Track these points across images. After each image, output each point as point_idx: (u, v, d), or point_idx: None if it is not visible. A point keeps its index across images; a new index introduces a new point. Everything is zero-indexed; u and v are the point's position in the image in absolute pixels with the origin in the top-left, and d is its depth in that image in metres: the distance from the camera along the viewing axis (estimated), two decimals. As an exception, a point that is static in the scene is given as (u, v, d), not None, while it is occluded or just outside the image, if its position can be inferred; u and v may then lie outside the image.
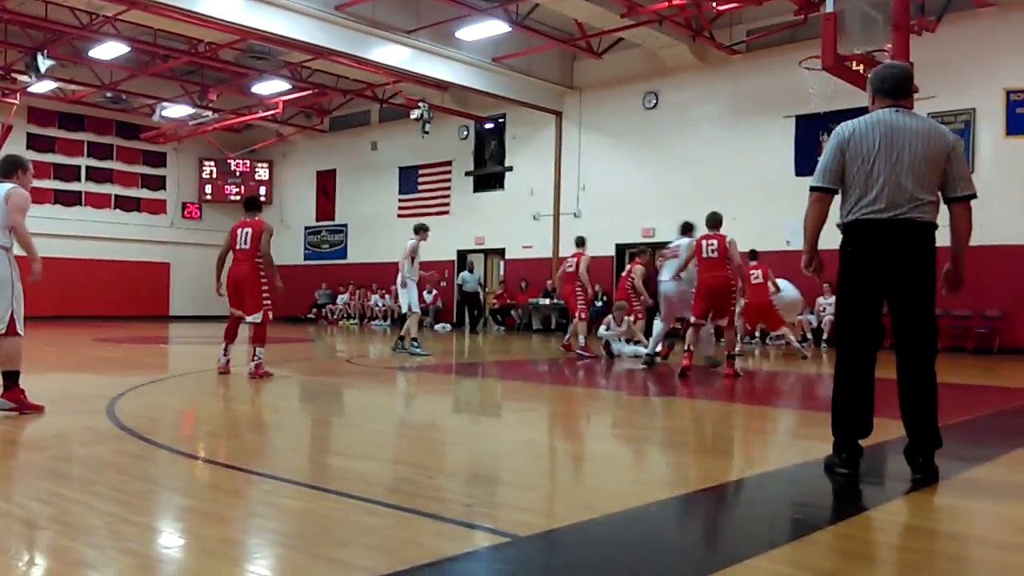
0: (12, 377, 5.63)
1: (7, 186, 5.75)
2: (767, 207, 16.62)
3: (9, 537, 2.90)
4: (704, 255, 9.27)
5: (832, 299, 15.63)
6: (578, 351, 11.66)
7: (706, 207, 17.18)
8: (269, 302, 8.46)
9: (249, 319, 8.41)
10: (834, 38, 10.12)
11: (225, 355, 8.53)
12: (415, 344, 11.55)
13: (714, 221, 9.45)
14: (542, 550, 2.90)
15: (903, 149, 3.84)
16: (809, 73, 12.27)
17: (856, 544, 3.02)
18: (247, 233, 8.35)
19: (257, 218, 8.51)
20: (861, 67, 10.36)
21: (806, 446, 5.09)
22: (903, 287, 3.91)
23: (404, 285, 11.58)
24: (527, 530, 3.03)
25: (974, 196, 3.92)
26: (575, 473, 4.38)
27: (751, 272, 12.08)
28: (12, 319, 5.62)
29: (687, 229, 10.48)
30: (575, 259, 12.07)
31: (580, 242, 12.48)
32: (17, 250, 5.72)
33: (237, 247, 8.43)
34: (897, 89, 4.03)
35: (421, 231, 11.84)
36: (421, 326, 21.07)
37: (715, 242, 9.24)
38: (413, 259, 11.57)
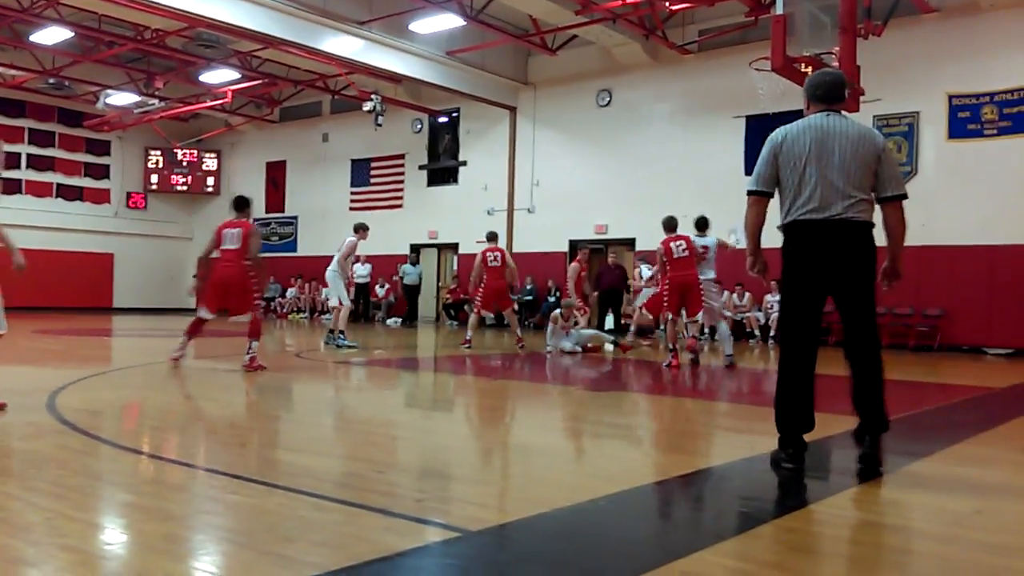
0: None
1: None
2: (717, 206, 16.73)
3: (-59, 535, 2.81)
4: (675, 255, 9.86)
5: (779, 296, 15.93)
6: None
7: (658, 204, 17.42)
8: (259, 301, 8.47)
9: (238, 319, 8.33)
10: (783, 40, 10.29)
11: (182, 350, 8.39)
12: (342, 336, 11.74)
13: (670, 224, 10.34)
14: (492, 545, 2.90)
15: (833, 152, 3.98)
16: (759, 74, 12.45)
17: (801, 537, 3.08)
18: (236, 234, 8.17)
19: (244, 219, 8.36)
20: (809, 69, 10.55)
21: (752, 441, 5.18)
22: (844, 284, 4.06)
23: (331, 279, 12.05)
24: (478, 525, 3.03)
25: (905, 196, 4.06)
26: (526, 468, 4.39)
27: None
28: None
29: (704, 225, 10.55)
30: (499, 253, 12.17)
31: (493, 236, 12.65)
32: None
33: (224, 247, 8.22)
34: (830, 95, 4.17)
35: (362, 230, 12.21)
36: (372, 320, 21.08)
37: (683, 243, 9.96)
38: (347, 257, 12.01)
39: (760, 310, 16.18)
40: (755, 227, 4.26)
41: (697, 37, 17.14)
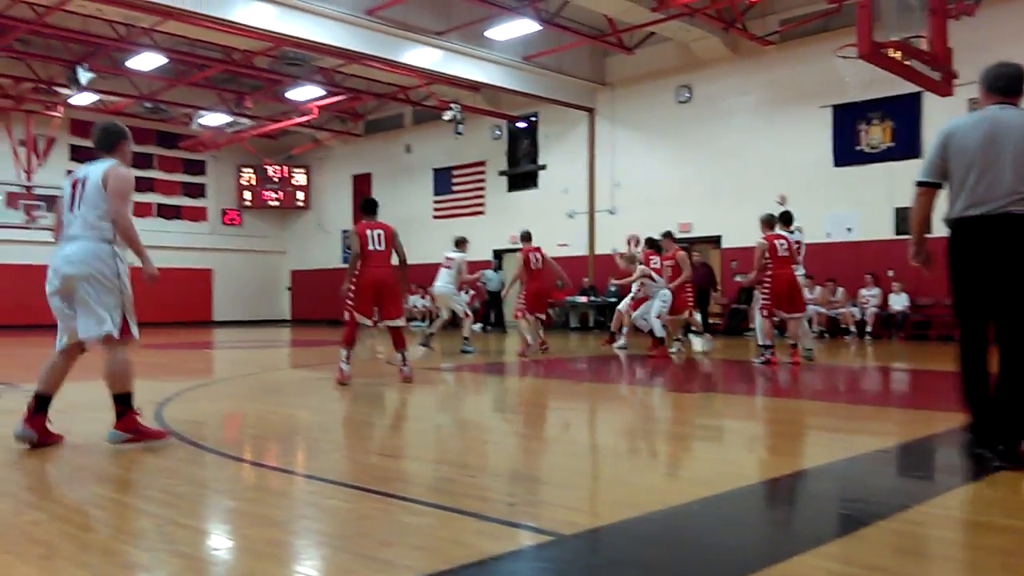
0: (124, 400, 4.67)
1: (106, 164, 4.81)
2: (806, 199, 16.38)
3: (64, 540, 2.97)
4: (779, 254, 9.76)
5: (875, 291, 15.39)
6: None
7: (743, 200, 17.12)
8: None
9: (393, 323, 8.01)
10: (869, 26, 9.95)
11: (348, 363, 7.91)
12: (467, 343, 12.29)
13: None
14: (586, 548, 2.89)
15: (1007, 145, 3.90)
16: (845, 62, 12.07)
17: (907, 539, 2.96)
18: (379, 235, 7.90)
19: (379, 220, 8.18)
20: (898, 54, 10.18)
21: (851, 440, 5.02)
22: (1003, 279, 3.93)
23: (456, 292, 12.62)
24: (570, 528, 3.03)
25: None
26: (617, 471, 4.36)
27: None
28: (125, 323, 4.69)
29: (790, 220, 10.46)
30: (540, 255, 11.96)
31: (460, 242, 12.72)
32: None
33: (371, 249, 7.86)
34: (1010, 87, 4.10)
35: (464, 244, 12.70)
36: (457, 327, 21.31)
37: (784, 241, 9.88)
38: (461, 273, 12.46)
39: (855, 305, 15.66)
40: (922, 219, 4.19)
41: (778, 27, 16.74)
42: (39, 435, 4.63)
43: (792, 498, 3.75)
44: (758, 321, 10.85)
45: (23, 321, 22.57)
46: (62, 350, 4.82)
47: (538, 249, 12.03)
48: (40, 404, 4.69)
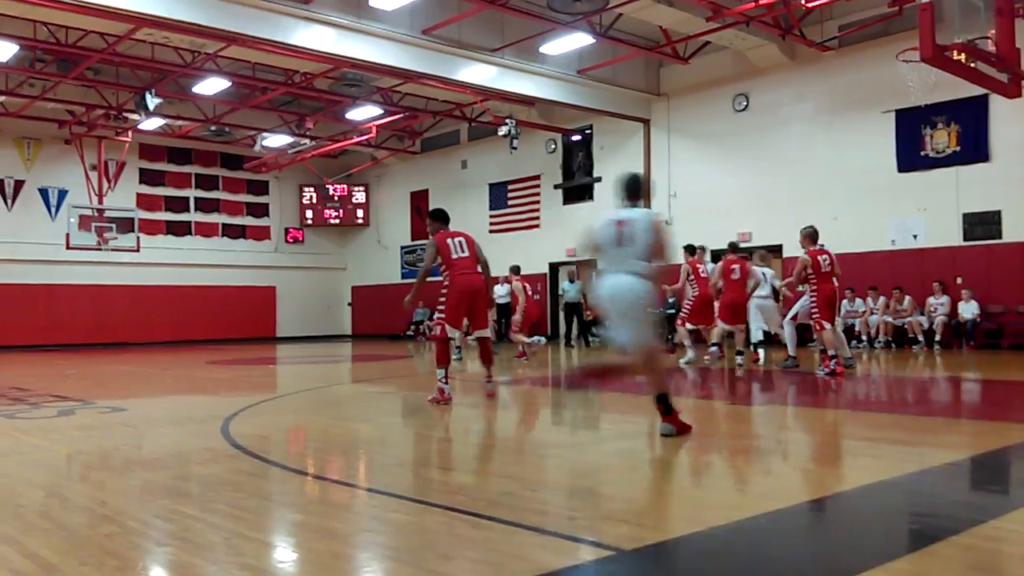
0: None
1: (648, 213, 5.50)
2: (869, 206, 16.07)
3: (135, 553, 3.07)
4: (823, 269, 9.69)
5: (943, 299, 14.96)
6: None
7: (803, 208, 16.84)
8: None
9: (482, 334, 7.80)
10: (932, 28, 9.72)
11: (447, 381, 7.59)
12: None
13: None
14: (648, 564, 2.87)
15: None
16: (907, 66, 11.81)
17: (981, 555, 2.87)
18: (460, 242, 7.66)
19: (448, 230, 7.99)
20: (963, 56, 9.92)
21: (922, 453, 4.89)
22: None
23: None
24: (632, 543, 3.01)
25: None
26: (679, 485, 4.32)
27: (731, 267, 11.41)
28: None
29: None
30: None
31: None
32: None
33: (455, 257, 7.54)
34: None
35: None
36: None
37: (827, 256, 9.81)
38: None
39: (923, 314, 15.24)
40: None
41: (837, 32, 16.46)
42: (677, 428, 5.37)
43: (860, 512, 3.66)
44: (787, 331, 11.06)
45: (96, 339, 23.41)
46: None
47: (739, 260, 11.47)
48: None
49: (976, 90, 12.70)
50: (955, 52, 9.96)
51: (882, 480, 4.22)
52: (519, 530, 3.21)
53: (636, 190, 5.66)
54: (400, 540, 3.20)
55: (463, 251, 7.58)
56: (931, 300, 15.15)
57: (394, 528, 3.38)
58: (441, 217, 7.94)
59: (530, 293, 13.14)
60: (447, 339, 7.55)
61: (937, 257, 15.39)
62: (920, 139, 15.57)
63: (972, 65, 10.32)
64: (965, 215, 15.09)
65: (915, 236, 15.73)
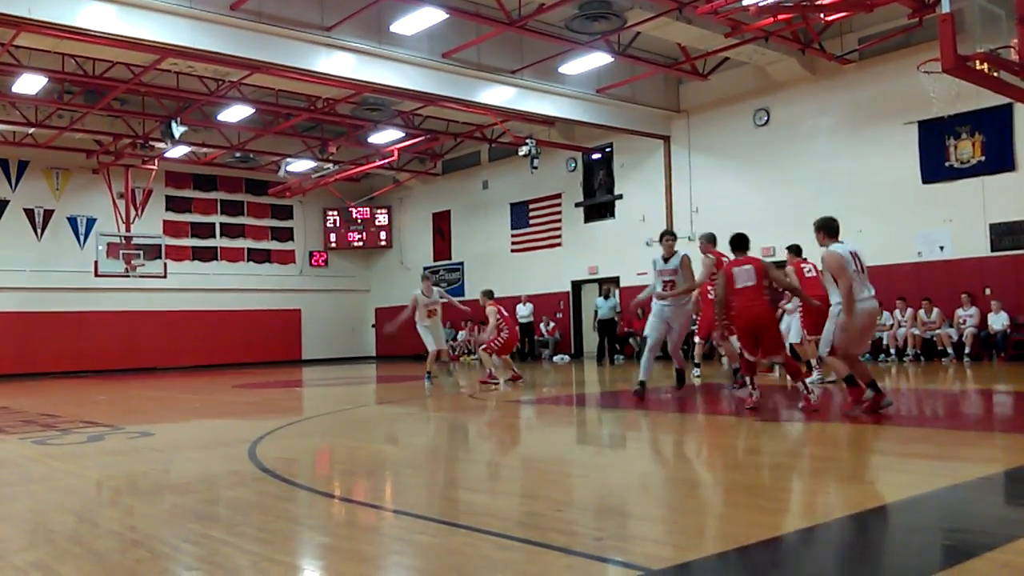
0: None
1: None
2: (894, 218, 15.92)
3: (167, 577, 3.09)
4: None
5: (972, 310, 14.76)
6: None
7: (828, 222, 16.61)
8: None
9: (774, 360, 8.08)
10: (953, 39, 9.64)
11: (754, 387, 7.82)
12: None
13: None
14: (676, 583, 2.85)
15: None
16: (929, 77, 11.73)
17: (1018, 572, 2.82)
18: (748, 271, 7.82)
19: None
20: (985, 66, 9.84)
21: (955, 467, 4.81)
22: None
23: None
24: (660, 563, 2.99)
25: None
26: (705, 503, 4.28)
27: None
28: None
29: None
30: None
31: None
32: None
33: (738, 286, 7.76)
34: None
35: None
36: (538, 358, 21.25)
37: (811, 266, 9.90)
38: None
39: (951, 326, 15.03)
40: None
41: (857, 45, 16.40)
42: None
43: (892, 529, 3.61)
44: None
45: (124, 365, 23.67)
46: None
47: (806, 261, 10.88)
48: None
49: (1000, 99, 12.58)
50: (977, 62, 9.86)
51: (914, 496, 4.16)
52: (546, 551, 3.20)
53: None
54: (427, 562, 3.20)
55: (750, 280, 7.84)
56: (959, 312, 14.95)
57: (421, 550, 3.38)
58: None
59: (506, 315, 13.04)
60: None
61: (965, 268, 15.20)
62: (944, 150, 15.44)
63: (995, 74, 10.21)
64: (992, 225, 14.90)
65: (941, 248, 15.55)
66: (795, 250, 10.90)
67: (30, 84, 16.91)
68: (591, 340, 21.61)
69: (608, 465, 5.84)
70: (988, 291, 14.86)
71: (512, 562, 3.10)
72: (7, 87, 17.44)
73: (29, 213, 22.90)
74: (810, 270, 10.32)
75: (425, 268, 27.13)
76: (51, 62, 16.27)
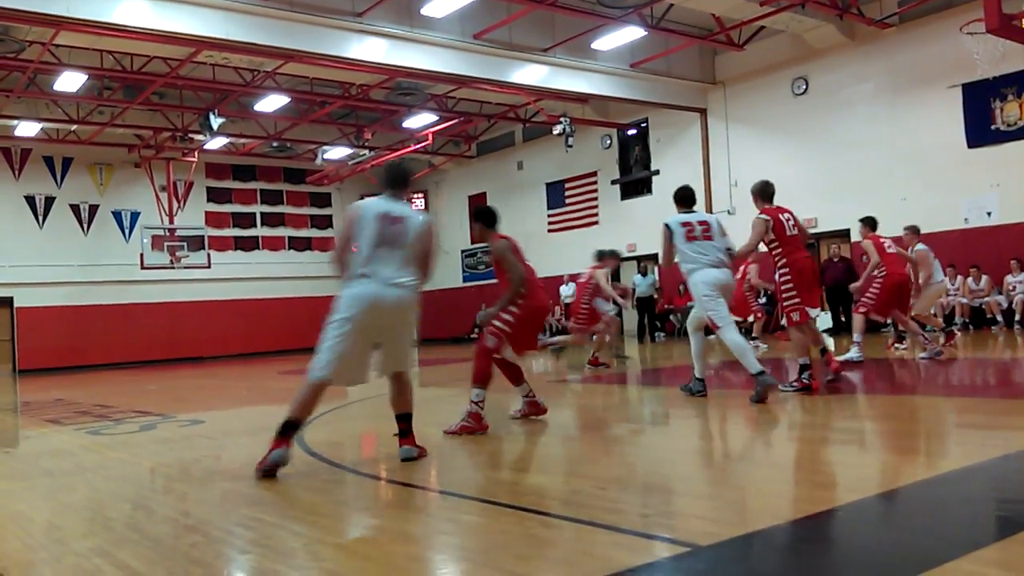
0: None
1: (423, 214, 5.22)
2: (939, 185, 15.57)
3: (219, 561, 3.16)
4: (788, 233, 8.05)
5: (1021, 276, 14.40)
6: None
7: (870, 191, 16.42)
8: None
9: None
10: (998, -4, 9.39)
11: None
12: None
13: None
14: (725, 559, 2.84)
15: None
16: (972, 38, 11.44)
17: (1074, 542, 2.76)
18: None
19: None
20: (1033, 23, 9.55)
21: (1007, 437, 4.72)
22: None
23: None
24: (707, 539, 2.98)
25: None
26: (752, 479, 4.25)
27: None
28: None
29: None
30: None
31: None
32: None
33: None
34: None
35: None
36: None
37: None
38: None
39: (1001, 293, 14.70)
40: None
41: (897, 8, 16.00)
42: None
43: (943, 500, 3.56)
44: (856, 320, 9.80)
45: (172, 355, 24.15)
46: None
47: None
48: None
49: (1048, 58, 12.23)
50: (1023, 20, 9.59)
51: (966, 466, 4.09)
52: (593, 528, 3.21)
53: None
54: (475, 541, 3.23)
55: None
56: (1009, 278, 14.61)
57: (469, 530, 3.41)
58: (480, 217, 6.64)
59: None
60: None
61: (1013, 233, 14.83)
62: (990, 112, 15.03)
63: (1043, 32, 9.93)
64: (1042, 189, 14.50)
65: (989, 213, 15.19)
66: (870, 223, 9.91)
67: (71, 82, 17.23)
68: (631, 318, 21.51)
69: (653, 443, 5.83)
70: (1039, 256, 14.49)
71: (558, 540, 3.12)
72: (49, 86, 17.79)
73: (75, 208, 23.40)
74: (890, 245, 9.63)
75: (462, 251, 27.14)
76: (90, 59, 16.55)
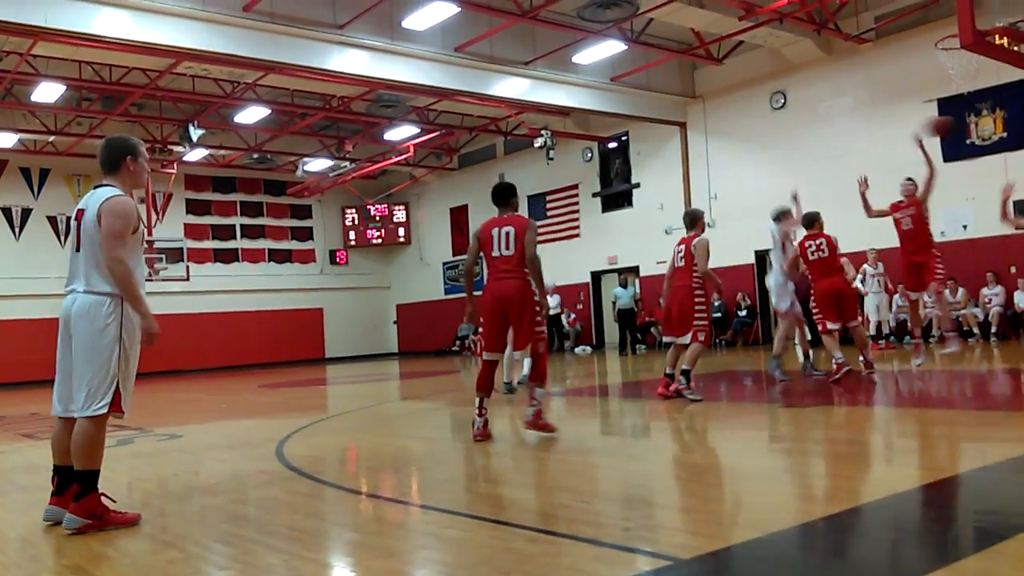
0: (87, 480, 3.88)
1: (106, 192, 4.12)
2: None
3: (200, 577, 3.12)
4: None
5: (997, 289, 14.58)
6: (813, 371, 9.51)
7: (848, 203, 16.51)
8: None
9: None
10: (971, 14, 9.55)
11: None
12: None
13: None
14: (706, 572, 2.85)
15: None
16: (947, 53, 11.59)
17: (1051, 553, 2.79)
18: (507, 233, 6.54)
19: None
20: (1005, 40, 9.72)
21: (984, 448, 4.77)
22: None
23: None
24: (688, 552, 2.98)
25: None
26: (734, 491, 4.26)
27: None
28: (118, 395, 4.08)
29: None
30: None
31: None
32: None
33: (495, 254, 6.62)
34: None
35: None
36: (561, 350, 21.12)
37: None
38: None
39: (977, 306, 14.87)
40: None
41: (873, 24, 16.21)
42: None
43: (923, 512, 3.59)
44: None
45: (150, 368, 23.85)
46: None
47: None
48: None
49: (1021, 74, 12.40)
50: (997, 36, 9.76)
51: (944, 478, 4.13)
52: (574, 543, 3.20)
53: None
54: (457, 556, 3.21)
55: (507, 247, 6.30)
56: (985, 291, 14.79)
57: (450, 545, 3.39)
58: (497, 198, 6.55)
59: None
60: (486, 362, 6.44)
61: (989, 247, 15.02)
62: (965, 127, 15.24)
63: (1015, 49, 10.09)
64: (1016, 202, 14.64)
65: (964, 226, 15.38)
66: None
67: (49, 92, 17.09)
68: (612, 331, 21.58)
69: (634, 455, 5.83)
70: (1013, 269, 14.68)
71: (540, 554, 3.11)
72: (26, 96, 17.64)
73: (52, 220, 23.16)
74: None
75: (444, 263, 27.10)
76: (68, 70, 16.43)
